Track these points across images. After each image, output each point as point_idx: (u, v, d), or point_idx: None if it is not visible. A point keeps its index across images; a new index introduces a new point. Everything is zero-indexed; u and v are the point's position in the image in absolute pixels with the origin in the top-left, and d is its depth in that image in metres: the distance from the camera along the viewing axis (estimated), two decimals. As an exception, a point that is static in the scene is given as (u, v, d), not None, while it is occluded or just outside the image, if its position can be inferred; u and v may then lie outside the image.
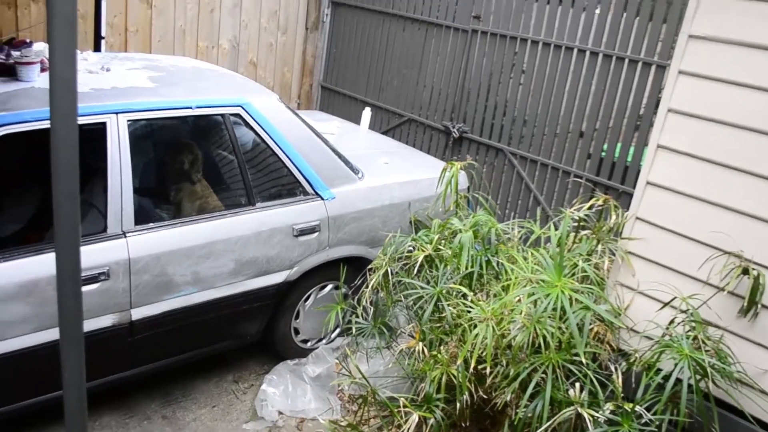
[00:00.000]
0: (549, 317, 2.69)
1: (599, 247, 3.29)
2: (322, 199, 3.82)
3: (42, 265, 2.90)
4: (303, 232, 3.72)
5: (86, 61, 3.78)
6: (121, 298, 3.15)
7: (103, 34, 5.45)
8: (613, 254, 3.22)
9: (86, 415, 2.15)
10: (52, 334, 2.83)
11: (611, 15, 4.75)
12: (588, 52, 4.90)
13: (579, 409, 2.60)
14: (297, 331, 4.05)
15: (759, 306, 2.73)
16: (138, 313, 3.23)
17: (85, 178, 1.89)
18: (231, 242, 3.46)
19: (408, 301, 3.35)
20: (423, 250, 3.39)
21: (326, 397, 3.77)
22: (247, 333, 3.83)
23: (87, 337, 2.08)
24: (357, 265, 3.92)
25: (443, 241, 3.47)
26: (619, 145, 4.77)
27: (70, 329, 2.04)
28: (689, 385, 2.57)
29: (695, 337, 2.72)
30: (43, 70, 3.39)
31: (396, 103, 6.52)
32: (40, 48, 3.52)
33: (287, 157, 3.72)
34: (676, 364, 2.60)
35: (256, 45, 6.91)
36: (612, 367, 2.85)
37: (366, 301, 3.46)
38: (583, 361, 2.62)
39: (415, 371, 3.18)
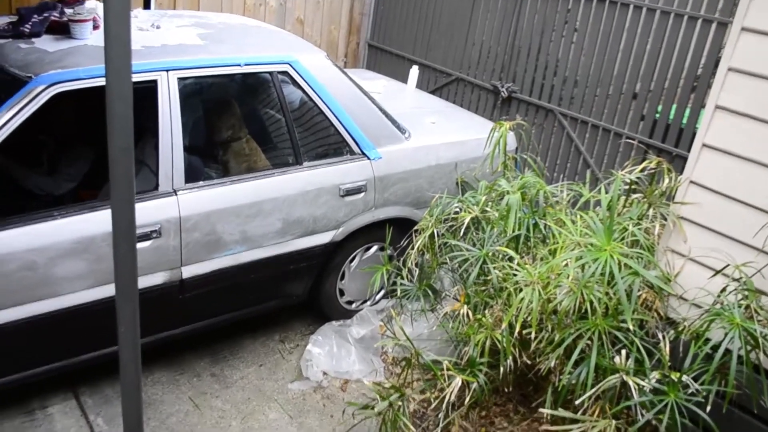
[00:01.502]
0: (597, 282, 2.65)
1: (650, 211, 3.22)
2: (369, 158, 3.81)
3: (97, 221, 2.98)
4: (349, 192, 3.73)
5: (137, 18, 3.80)
6: (172, 256, 3.22)
7: (153, -8, 5.47)
8: (665, 219, 3.15)
9: (140, 370, 2.23)
10: (108, 290, 2.92)
11: (670, -31, 4.57)
12: (645, 9, 4.71)
13: (624, 377, 2.58)
14: (342, 292, 4.09)
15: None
16: (188, 271, 3.30)
17: (137, 137, 1.91)
18: (278, 201, 3.49)
19: (453, 263, 3.34)
20: (469, 212, 3.37)
21: (370, 358, 3.82)
22: (293, 293, 3.88)
23: (140, 294, 2.14)
24: (403, 227, 3.92)
25: (490, 203, 3.44)
26: (674, 106, 4.62)
27: (125, 284, 2.10)
28: (739, 356, 2.52)
29: (747, 306, 2.64)
30: (95, 27, 3.42)
31: (444, 61, 6.41)
32: (92, 6, 3.55)
33: (334, 115, 3.71)
34: (726, 334, 2.54)
35: (303, 2, 6.84)
36: (659, 335, 2.80)
37: (411, 263, 3.47)
38: (630, 328, 2.59)
39: (459, 335, 3.18)
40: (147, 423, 3.26)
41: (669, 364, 2.69)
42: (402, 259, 3.55)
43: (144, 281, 3.07)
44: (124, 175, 1.93)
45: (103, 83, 1.81)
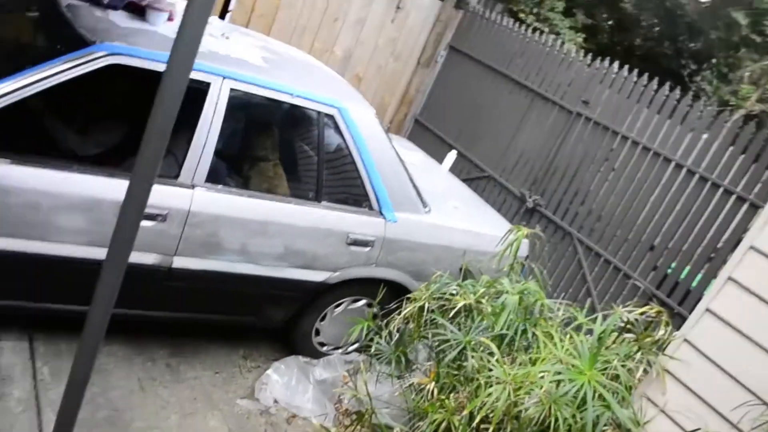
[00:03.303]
0: (567, 402, 2.63)
1: (638, 354, 3.20)
2: (385, 218, 3.85)
3: (110, 188, 3.01)
4: (356, 243, 3.75)
5: (210, 25, 3.93)
6: (169, 243, 3.24)
7: (231, 7, 5.65)
8: (650, 366, 3.13)
9: (102, 336, 2.21)
10: (98, 253, 2.91)
11: (717, 143, 4.69)
12: (685, 169, 4.83)
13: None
14: (318, 332, 4.06)
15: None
16: (179, 262, 3.32)
17: (176, 127, 1.96)
18: (287, 228, 3.52)
19: (434, 340, 3.32)
20: (465, 298, 3.37)
21: (324, 402, 3.76)
22: (272, 317, 3.87)
23: (127, 267, 2.15)
24: (396, 291, 3.91)
25: (486, 297, 3.44)
26: (687, 268, 4.66)
27: (117, 252, 2.12)
28: None
29: (709, 474, 2.61)
30: (169, 19, 3.53)
31: (482, 157, 6.54)
32: (173, 0, 3.69)
33: (365, 168, 3.78)
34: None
35: (366, 62, 7.07)
36: (615, 474, 2.75)
37: (394, 327, 3.45)
38: (589, 456, 2.54)
39: (418, 408, 3.13)
40: (89, 388, 3.15)
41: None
42: (385, 321, 3.54)
43: (136, 257, 3.02)
44: (152, 154, 1.97)
45: (159, 68, 1.88)
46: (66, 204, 2.96)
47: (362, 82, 7.10)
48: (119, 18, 3.38)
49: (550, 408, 2.62)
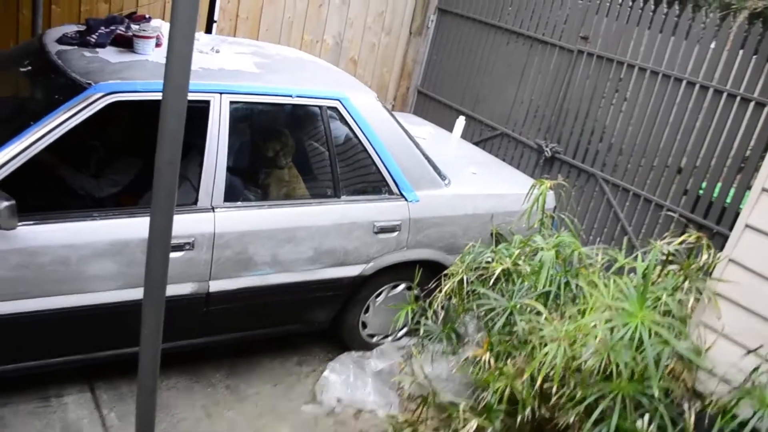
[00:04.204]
0: (624, 346, 2.60)
1: (686, 284, 3.15)
2: (406, 200, 3.83)
3: (134, 227, 3.04)
4: (383, 230, 3.74)
5: (198, 41, 3.91)
6: (201, 269, 3.26)
7: (215, 18, 5.64)
8: (700, 293, 3.09)
9: (158, 372, 2.24)
10: (135, 294, 2.95)
11: (727, 50, 4.57)
12: (698, 86, 4.72)
13: (645, 443, 2.51)
14: (365, 325, 4.08)
15: None
16: (216, 286, 3.34)
17: (184, 152, 1.96)
18: (312, 230, 3.52)
19: (480, 311, 3.31)
20: (501, 263, 3.34)
21: (386, 392, 3.79)
22: (316, 320, 3.89)
23: (166, 301, 2.17)
24: (432, 269, 3.90)
25: (523, 257, 3.42)
26: (719, 184, 4.58)
27: (154, 289, 2.14)
28: (766, 437, 2.45)
29: (779, 389, 2.57)
30: (157, 45, 3.52)
31: (491, 115, 6.47)
32: (158, 24, 3.68)
33: (377, 155, 3.76)
34: (755, 413, 2.46)
35: (359, 43, 7.01)
36: (685, 406, 2.73)
37: (437, 306, 3.45)
38: (656, 394, 2.52)
39: (478, 380, 3.13)
40: (158, 425, 3.22)
41: (693, 436, 2.61)
42: (428, 301, 3.53)
43: (172, 289, 3.06)
44: (167, 186, 1.98)
45: (158, 98, 1.88)
46: (93, 252, 2.99)
47: (358, 65, 7.06)
48: (109, 54, 3.39)
49: (608, 356, 2.60)
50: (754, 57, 4.43)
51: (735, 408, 2.56)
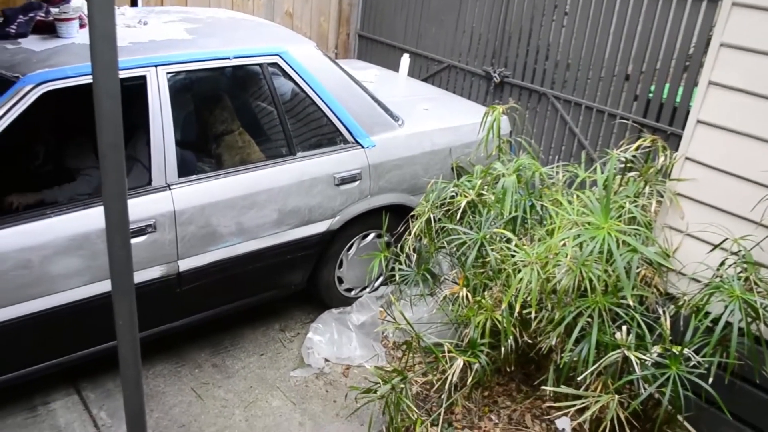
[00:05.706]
0: (595, 260, 2.65)
1: (647, 189, 3.22)
2: (363, 147, 3.79)
3: (92, 218, 2.96)
4: (344, 181, 3.71)
5: (123, 15, 3.79)
6: (168, 250, 3.21)
7: (140, -10, 5.43)
8: (662, 196, 3.15)
9: (140, 363, 2.22)
10: (105, 286, 2.90)
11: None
12: (635, -12, 4.71)
13: (626, 352, 2.58)
14: (341, 280, 4.08)
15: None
16: (185, 264, 3.30)
17: (128, 133, 1.90)
18: (273, 192, 3.47)
19: (451, 247, 3.34)
20: (465, 196, 3.36)
21: (371, 344, 3.82)
22: (291, 282, 3.87)
23: (137, 288, 2.13)
24: (399, 213, 3.91)
25: (486, 187, 3.44)
26: (667, 85, 4.61)
27: (121, 279, 2.09)
28: (740, 328, 2.53)
29: (747, 279, 2.65)
30: (81, 26, 3.39)
31: (435, 49, 6.39)
32: (78, 4, 3.52)
33: (326, 105, 3.70)
34: (726, 307, 2.54)
35: (292, -5, 6.82)
36: (660, 311, 2.81)
37: (409, 249, 3.46)
38: (631, 304, 2.59)
39: (459, 317, 3.18)
40: (150, 415, 3.26)
41: (670, 338, 2.69)
42: (399, 245, 3.55)
43: (141, 275, 3.07)
44: (114, 169, 1.92)
45: (90, 79, 1.80)
46: (55, 250, 2.91)
47: (294, 18, 6.87)
48: (33, 43, 3.24)
49: (581, 272, 2.65)
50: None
51: (707, 305, 2.64)
